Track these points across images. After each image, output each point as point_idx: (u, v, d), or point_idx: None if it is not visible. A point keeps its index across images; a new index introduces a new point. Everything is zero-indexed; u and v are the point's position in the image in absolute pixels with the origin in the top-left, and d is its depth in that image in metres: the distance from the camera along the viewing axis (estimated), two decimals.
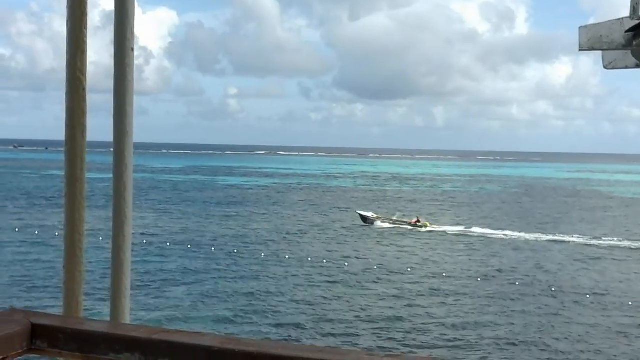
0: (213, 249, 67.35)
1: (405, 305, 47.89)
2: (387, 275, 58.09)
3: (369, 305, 47.59)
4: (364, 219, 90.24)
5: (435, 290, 53.00)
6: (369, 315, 45.08)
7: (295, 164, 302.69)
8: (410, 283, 55.06)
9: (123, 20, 3.11)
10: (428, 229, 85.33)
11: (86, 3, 3.10)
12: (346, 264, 61.96)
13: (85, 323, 2.74)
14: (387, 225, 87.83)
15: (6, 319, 2.71)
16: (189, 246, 68.00)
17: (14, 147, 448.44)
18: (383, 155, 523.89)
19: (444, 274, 58.57)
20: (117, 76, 3.12)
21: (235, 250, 66.83)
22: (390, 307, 47.31)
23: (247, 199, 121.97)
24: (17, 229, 75.69)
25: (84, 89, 3.11)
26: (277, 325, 42.38)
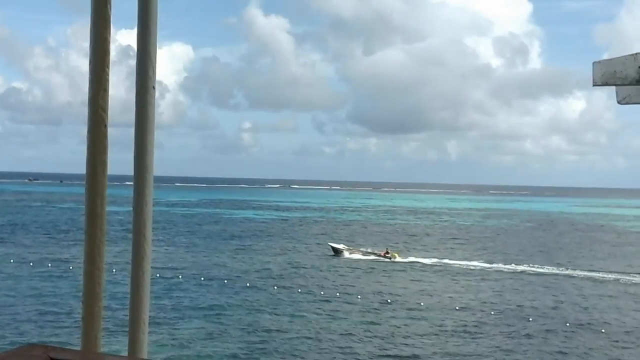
0: (226, 281, 67.25)
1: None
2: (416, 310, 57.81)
3: (406, 343, 47.27)
4: (335, 250, 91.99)
5: (463, 325, 52.64)
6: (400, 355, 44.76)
7: (308, 197, 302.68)
8: (449, 318, 54.74)
9: (145, 58, 3.16)
10: (397, 259, 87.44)
11: (109, 43, 3.15)
12: (359, 297, 61.68)
13: (105, 358, 2.75)
14: (357, 256, 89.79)
15: (26, 354, 2.73)
16: (202, 279, 68.00)
17: (29, 180, 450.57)
18: (397, 189, 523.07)
19: (476, 310, 58.20)
20: (139, 113, 3.16)
21: (248, 284, 66.67)
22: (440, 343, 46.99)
23: (260, 232, 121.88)
24: (32, 263, 75.88)
25: (105, 126, 3.16)
26: None
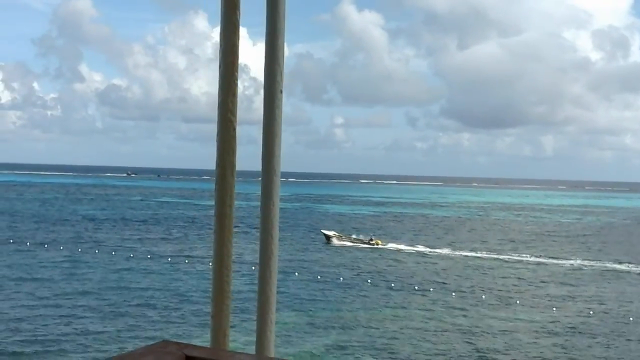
0: (319, 277, 67.64)
1: None
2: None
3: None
4: (327, 237, 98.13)
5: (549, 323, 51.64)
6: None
7: (400, 192, 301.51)
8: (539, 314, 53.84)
9: (273, 63, 3.22)
10: (381, 245, 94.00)
11: (238, 48, 3.23)
12: (453, 294, 61.15)
13: (235, 356, 2.82)
14: (346, 243, 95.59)
15: (161, 350, 2.82)
16: (297, 274, 68.60)
17: (128, 174, 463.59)
18: (489, 185, 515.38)
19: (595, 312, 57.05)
20: (267, 117, 3.23)
21: (342, 279, 66.95)
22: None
23: (352, 229, 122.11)
24: (150, 256, 78.16)
25: (234, 129, 3.24)
26: None
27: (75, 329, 45.12)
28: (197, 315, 50.26)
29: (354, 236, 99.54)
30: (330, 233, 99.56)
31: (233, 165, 3.27)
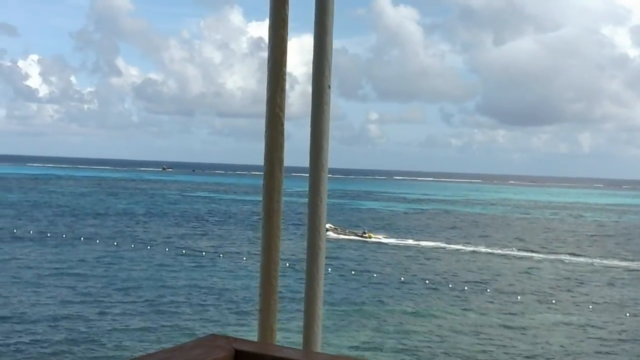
0: (353, 272, 67.62)
1: None
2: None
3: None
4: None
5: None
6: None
7: (434, 189, 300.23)
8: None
9: (321, 58, 3.22)
10: (373, 239, 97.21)
11: (286, 43, 3.24)
12: (489, 289, 60.84)
13: (283, 350, 2.83)
14: (341, 236, 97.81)
15: (210, 344, 2.84)
16: (329, 270, 68.66)
17: (163, 168, 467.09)
18: (525, 183, 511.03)
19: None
20: (315, 112, 3.23)
21: (375, 275, 66.97)
22: None
23: (388, 225, 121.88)
24: (184, 250, 78.85)
25: (282, 125, 3.24)
26: None
27: (117, 324, 45.31)
28: (237, 310, 50.54)
29: (348, 230, 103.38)
30: (328, 226, 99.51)
31: (281, 161, 3.28)
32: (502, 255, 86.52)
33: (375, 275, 67.17)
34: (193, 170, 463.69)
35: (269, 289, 3.27)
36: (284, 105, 3.25)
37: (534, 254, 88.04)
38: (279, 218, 3.27)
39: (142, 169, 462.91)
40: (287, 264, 67.75)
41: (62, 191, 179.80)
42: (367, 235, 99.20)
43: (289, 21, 3.28)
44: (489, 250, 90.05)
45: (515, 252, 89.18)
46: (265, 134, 3.25)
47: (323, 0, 3.23)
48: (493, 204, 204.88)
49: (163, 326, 45.43)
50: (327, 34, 3.22)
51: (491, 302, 57.30)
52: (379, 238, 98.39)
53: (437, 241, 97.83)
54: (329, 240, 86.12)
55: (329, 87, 3.23)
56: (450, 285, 63.47)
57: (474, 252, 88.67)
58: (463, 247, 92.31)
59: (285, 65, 3.24)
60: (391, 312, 52.22)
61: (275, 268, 3.28)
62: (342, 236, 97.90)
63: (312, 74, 3.23)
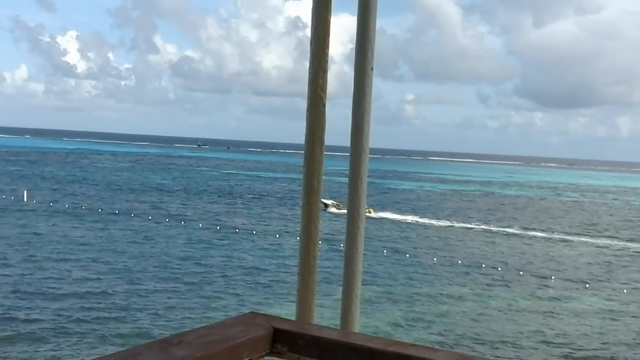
0: (385, 251, 67.60)
1: None
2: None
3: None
4: (325, 205, 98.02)
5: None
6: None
7: (470, 170, 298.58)
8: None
9: (364, 41, 3.22)
10: (373, 215, 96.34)
11: (329, 24, 3.24)
12: (500, 268, 60.55)
13: (322, 330, 2.86)
14: (342, 211, 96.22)
15: (250, 322, 2.88)
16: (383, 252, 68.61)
17: (198, 145, 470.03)
18: (562, 165, 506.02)
19: None
20: (357, 94, 3.23)
21: (434, 260, 66.95)
22: None
23: (426, 206, 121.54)
24: (218, 227, 79.44)
25: (324, 106, 3.25)
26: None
27: (153, 301, 45.56)
28: (274, 289, 50.77)
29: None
30: (329, 202, 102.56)
31: (322, 141, 3.30)
32: (538, 237, 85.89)
33: (407, 255, 67.10)
34: (228, 148, 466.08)
35: (308, 269, 3.30)
36: (325, 87, 3.26)
37: (571, 237, 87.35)
38: (318, 198, 3.30)
39: (177, 145, 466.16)
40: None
41: (98, 166, 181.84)
42: (367, 210, 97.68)
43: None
44: (525, 233, 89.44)
45: (552, 235, 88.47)
46: (306, 114, 3.27)
47: None
48: (530, 187, 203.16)
49: (199, 304, 45.74)
50: (370, 17, 3.22)
51: (526, 285, 57.00)
52: (381, 215, 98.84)
53: (471, 223, 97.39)
54: (338, 216, 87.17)
55: (372, 69, 3.23)
56: (483, 267, 63.25)
57: (509, 234, 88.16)
58: (498, 229, 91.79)
59: (327, 47, 3.25)
60: (425, 293, 52.18)
61: (314, 248, 3.31)
62: (343, 211, 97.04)
63: (355, 56, 3.23)
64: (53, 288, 47.23)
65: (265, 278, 54.33)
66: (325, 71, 3.25)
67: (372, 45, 3.22)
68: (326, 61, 3.25)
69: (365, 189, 3.28)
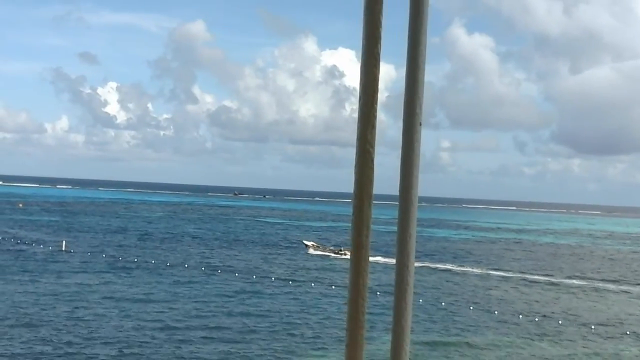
0: (420, 301, 66.94)
1: None
2: None
3: None
4: (305, 246, 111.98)
5: None
6: None
7: (506, 218, 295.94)
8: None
9: (413, 95, 3.25)
10: (348, 256, 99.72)
11: (378, 80, 3.27)
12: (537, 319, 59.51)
13: None
14: (320, 252, 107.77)
15: None
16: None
17: (234, 194, 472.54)
18: (600, 212, 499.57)
19: None
20: (405, 149, 3.24)
21: (443, 303, 66.25)
22: None
23: (459, 252, 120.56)
24: (248, 279, 79.48)
25: (372, 161, 3.26)
26: None
27: (196, 354, 45.45)
28: (316, 342, 50.28)
29: (327, 247, 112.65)
30: (309, 243, 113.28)
31: (370, 196, 3.30)
32: (576, 286, 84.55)
33: (443, 304, 66.38)
34: (264, 196, 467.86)
35: (357, 324, 3.27)
36: (374, 142, 3.28)
37: (610, 285, 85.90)
38: (367, 253, 3.28)
39: (214, 194, 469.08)
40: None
41: (135, 216, 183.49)
42: (342, 252, 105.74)
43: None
44: (562, 281, 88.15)
45: (590, 284, 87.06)
46: (355, 169, 3.28)
47: (416, 37, 3.26)
48: (567, 234, 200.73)
49: (244, 356, 45.46)
50: (419, 71, 3.24)
51: (564, 335, 56.01)
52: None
53: (508, 271, 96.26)
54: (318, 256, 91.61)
55: (420, 124, 3.25)
56: (520, 316, 62.31)
57: (546, 282, 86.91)
58: (535, 277, 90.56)
59: (376, 103, 3.27)
60: (462, 342, 51.50)
61: (363, 303, 3.29)
62: (321, 252, 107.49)
63: (403, 110, 3.25)
64: (92, 337, 47.43)
65: (307, 330, 53.80)
66: (373, 127, 3.27)
67: (420, 100, 3.24)
68: (375, 117, 3.27)
69: (414, 244, 3.26)
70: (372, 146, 3.30)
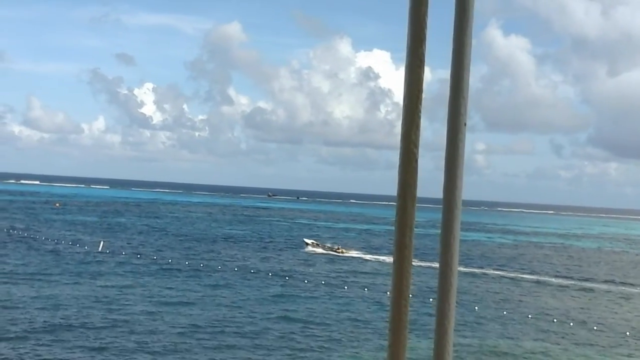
0: (477, 307, 66.48)
1: None
2: None
3: None
4: (305, 244, 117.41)
5: None
6: None
7: (542, 222, 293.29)
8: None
9: (458, 96, 3.25)
10: (345, 254, 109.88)
11: (422, 81, 3.27)
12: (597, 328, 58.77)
13: None
14: (319, 250, 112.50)
15: None
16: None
17: (268, 195, 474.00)
18: (638, 217, 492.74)
19: None
20: (450, 149, 3.24)
21: (477, 307, 65.80)
22: None
23: (492, 257, 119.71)
24: (286, 282, 79.61)
25: (416, 161, 3.26)
26: None
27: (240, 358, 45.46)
28: (359, 343, 50.19)
29: (327, 245, 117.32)
30: (309, 241, 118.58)
31: (414, 197, 3.30)
32: (613, 292, 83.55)
33: (476, 308, 65.89)
34: (297, 198, 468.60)
35: (399, 325, 3.27)
36: (418, 142, 3.28)
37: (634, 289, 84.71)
38: (410, 253, 3.28)
39: (247, 195, 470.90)
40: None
41: (170, 216, 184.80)
42: (340, 250, 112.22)
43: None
44: (599, 287, 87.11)
45: (627, 289, 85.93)
46: (399, 170, 3.28)
47: (461, 39, 3.25)
48: (604, 239, 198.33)
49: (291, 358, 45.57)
50: (464, 72, 3.24)
51: (599, 341, 55.35)
52: (351, 253, 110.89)
53: (543, 275, 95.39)
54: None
55: (465, 125, 3.24)
56: (555, 321, 61.77)
57: (582, 288, 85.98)
58: (571, 282, 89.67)
59: (420, 104, 3.27)
60: (497, 347, 51.12)
61: (405, 304, 3.29)
62: (319, 250, 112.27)
63: (448, 111, 3.25)
64: (129, 340, 47.79)
65: (349, 332, 53.74)
66: (418, 127, 3.27)
67: (465, 100, 3.24)
68: (419, 117, 3.27)
69: (458, 246, 3.26)
70: (416, 146, 3.30)
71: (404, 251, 3.32)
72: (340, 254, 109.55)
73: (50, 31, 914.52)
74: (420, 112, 3.27)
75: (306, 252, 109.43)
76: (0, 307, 55.31)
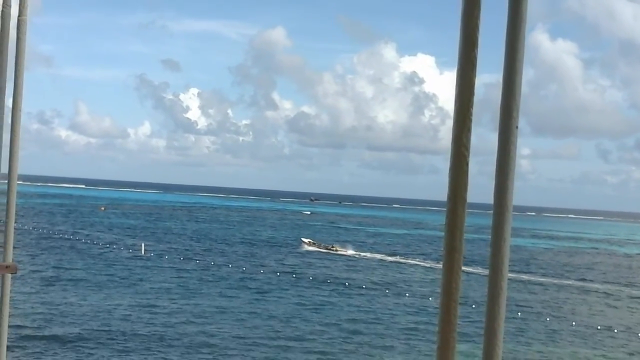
0: (519, 313, 65.63)
1: None
2: None
3: None
4: (302, 243, 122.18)
5: None
6: None
7: (588, 228, 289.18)
8: None
9: (510, 99, 3.25)
10: (340, 252, 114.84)
11: (474, 84, 3.28)
12: None
13: None
14: (314, 248, 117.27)
15: None
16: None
17: (311, 200, 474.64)
18: None
19: None
20: (501, 152, 3.24)
21: (520, 314, 65.12)
22: None
23: (538, 262, 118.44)
24: (347, 284, 79.67)
25: (467, 164, 3.27)
26: None
27: None
28: (408, 348, 50.09)
29: (323, 244, 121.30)
30: (306, 240, 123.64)
31: (464, 200, 3.31)
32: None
33: (519, 314, 65.08)
34: (339, 202, 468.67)
35: (449, 327, 3.28)
36: (469, 145, 3.28)
37: None
38: (460, 256, 3.29)
39: (290, 200, 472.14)
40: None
41: (213, 220, 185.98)
42: (334, 248, 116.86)
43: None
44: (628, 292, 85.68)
45: None
46: (449, 173, 3.29)
47: (514, 43, 3.25)
48: None
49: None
50: (517, 75, 3.24)
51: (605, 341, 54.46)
52: (345, 251, 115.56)
53: (589, 282, 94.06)
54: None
55: (517, 127, 3.24)
56: (598, 328, 60.89)
57: (630, 296, 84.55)
58: (619, 289, 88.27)
59: (472, 107, 3.28)
60: (541, 355, 50.59)
61: (455, 306, 3.30)
62: (316, 249, 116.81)
63: (500, 113, 3.25)
64: (170, 346, 48.19)
65: (396, 335, 53.67)
66: (469, 130, 3.28)
67: (517, 103, 3.23)
68: (470, 121, 3.28)
69: (509, 249, 3.25)
70: (467, 149, 3.31)
71: (454, 254, 3.33)
72: (335, 252, 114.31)
73: (98, 38, 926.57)
74: (471, 115, 3.28)
75: (305, 250, 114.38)
76: (47, 311, 55.94)
